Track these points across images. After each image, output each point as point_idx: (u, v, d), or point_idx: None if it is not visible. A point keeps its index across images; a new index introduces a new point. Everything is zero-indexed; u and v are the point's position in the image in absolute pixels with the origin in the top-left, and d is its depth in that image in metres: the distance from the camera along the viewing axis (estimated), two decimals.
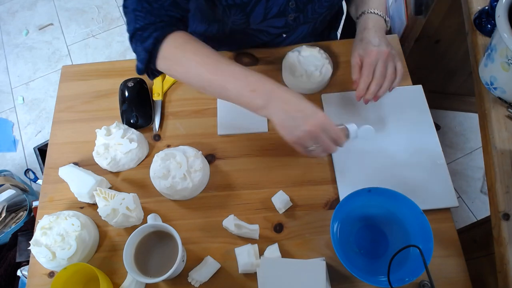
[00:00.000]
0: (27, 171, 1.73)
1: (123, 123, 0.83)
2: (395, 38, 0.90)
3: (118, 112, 0.86)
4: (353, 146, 0.73)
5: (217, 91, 0.64)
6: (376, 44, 0.73)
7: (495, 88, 0.70)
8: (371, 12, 0.79)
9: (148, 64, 0.68)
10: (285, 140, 0.63)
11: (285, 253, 0.70)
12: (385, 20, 0.79)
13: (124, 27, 2.10)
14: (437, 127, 1.60)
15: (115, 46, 2.09)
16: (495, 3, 0.65)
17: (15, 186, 1.45)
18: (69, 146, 0.83)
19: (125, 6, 0.67)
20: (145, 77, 0.87)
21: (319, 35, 0.97)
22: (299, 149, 0.64)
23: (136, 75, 0.88)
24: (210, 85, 0.64)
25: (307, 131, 0.60)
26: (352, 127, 0.68)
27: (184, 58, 0.65)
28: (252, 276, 0.69)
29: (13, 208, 1.48)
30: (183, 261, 0.67)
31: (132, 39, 0.67)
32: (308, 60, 0.84)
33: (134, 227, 0.68)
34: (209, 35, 0.90)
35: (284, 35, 0.88)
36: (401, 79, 0.74)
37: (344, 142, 0.64)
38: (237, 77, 0.62)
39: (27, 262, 1.17)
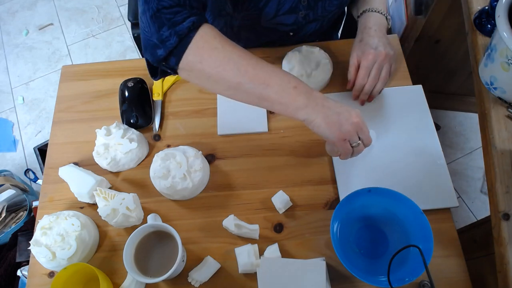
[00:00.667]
0: (27, 171, 1.73)
1: (123, 123, 0.83)
2: (395, 38, 0.90)
3: (118, 112, 0.86)
4: None
5: (257, 87, 0.59)
6: (374, 47, 0.75)
7: (495, 88, 0.70)
8: (372, 11, 0.79)
9: (171, 53, 0.58)
10: (330, 139, 0.61)
11: (285, 253, 0.70)
12: (386, 18, 0.80)
13: (124, 27, 2.13)
14: (437, 127, 1.60)
15: (115, 46, 2.08)
16: (495, 3, 0.65)
17: (15, 186, 1.45)
18: (69, 146, 0.83)
19: None
20: (145, 77, 0.88)
21: (323, 34, 0.97)
22: (345, 148, 0.62)
23: (136, 75, 0.89)
24: (251, 81, 0.58)
25: (354, 123, 0.60)
26: None
27: (223, 49, 0.58)
28: (252, 276, 0.69)
29: (13, 208, 1.48)
30: (183, 261, 0.67)
31: (153, 18, 0.57)
32: (308, 60, 0.84)
33: (134, 227, 0.68)
34: None
35: (291, 33, 0.88)
36: (389, 81, 0.83)
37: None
38: (278, 74, 0.60)
39: (27, 262, 1.17)
